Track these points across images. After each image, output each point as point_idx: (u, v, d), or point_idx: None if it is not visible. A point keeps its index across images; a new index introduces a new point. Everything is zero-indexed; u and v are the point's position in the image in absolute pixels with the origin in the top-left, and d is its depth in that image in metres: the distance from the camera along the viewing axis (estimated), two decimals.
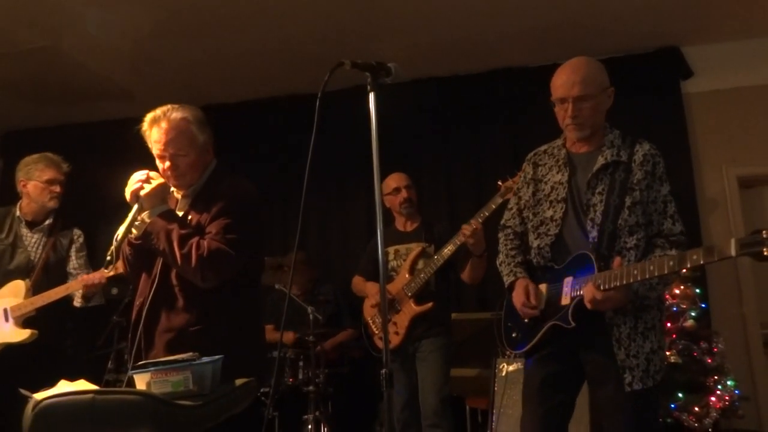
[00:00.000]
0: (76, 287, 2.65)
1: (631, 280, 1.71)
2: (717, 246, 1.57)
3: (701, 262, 1.59)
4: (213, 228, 1.82)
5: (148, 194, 1.80)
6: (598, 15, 3.63)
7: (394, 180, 3.13)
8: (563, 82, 1.92)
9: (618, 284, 1.72)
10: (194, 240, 1.78)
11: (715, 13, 3.66)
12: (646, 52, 4.02)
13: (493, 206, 2.72)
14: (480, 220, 2.73)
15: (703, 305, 3.42)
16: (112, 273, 2.55)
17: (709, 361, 3.19)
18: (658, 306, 1.90)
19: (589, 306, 1.77)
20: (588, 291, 1.77)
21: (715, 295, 3.76)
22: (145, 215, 1.81)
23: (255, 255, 1.97)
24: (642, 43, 3.96)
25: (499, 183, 2.77)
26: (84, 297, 2.71)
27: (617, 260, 1.76)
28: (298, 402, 3.43)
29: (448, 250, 2.84)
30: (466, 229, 2.72)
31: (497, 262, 2.14)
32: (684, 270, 1.68)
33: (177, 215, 1.88)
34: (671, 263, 1.64)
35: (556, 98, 1.94)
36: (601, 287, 1.74)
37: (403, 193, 3.08)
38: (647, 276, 1.68)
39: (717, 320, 3.65)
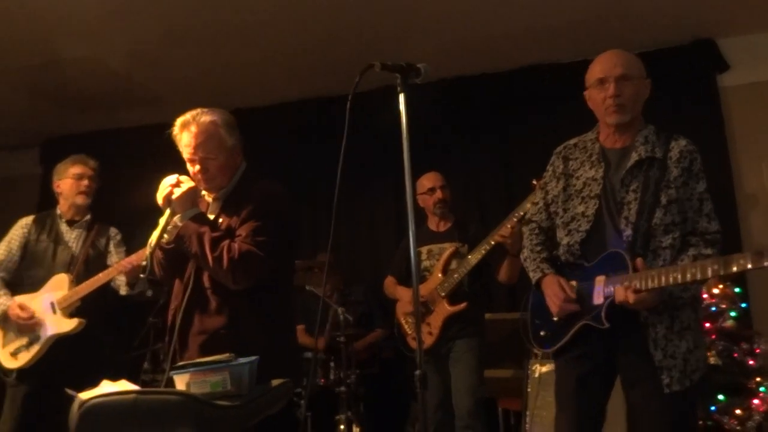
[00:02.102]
0: (114, 273, 2.73)
1: (671, 282, 1.66)
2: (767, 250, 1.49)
3: (748, 267, 1.52)
4: (243, 231, 1.84)
5: (178, 198, 1.84)
6: (629, 8, 3.55)
7: (429, 180, 3.11)
8: (602, 66, 1.88)
9: (655, 285, 1.67)
10: (225, 243, 1.81)
11: (751, 3, 3.55)
12: (680, 46, 3.92)
13: (528, 205, 2.65)
14: (515, 219, 2.69)
15: (744, 305, 3.32)
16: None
17: (751, 362, 3.09)
18: (693, 305, 1.85)
19: (618, 304, 1.73)
20: (620, 292, 1.72)
21: (755, 294, 3.64)
22: (176, 219, 1.85)
23: (285, 257, 1.99)
24: (675, 36, 3.87)
25: (534, 182, 2.71)
26: (129, 284, 2.79)
27: (639, 261, 1.72)
28: (329, 402, 3.44)
29: (483, 249, 2.81)
30: (504, 230, 2.68)
31: (521, 258, 2.10)
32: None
33: (208, 218, 1.91)
34: (715, 267, 1.58)
35: (595, 80, 1.89)
36: (637, 288, 1.70)
37: (438, 194, 3.07)
38: (688, 279, 1.63)
39: (758, 320, 3.53)
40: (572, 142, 2.06)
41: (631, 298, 1.69)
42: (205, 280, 1.88)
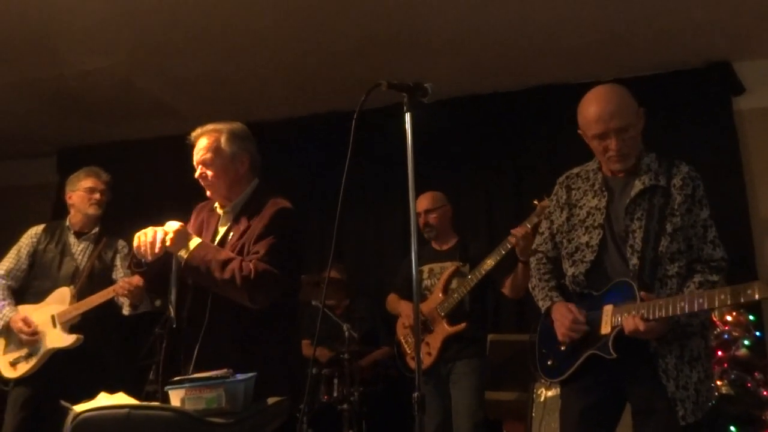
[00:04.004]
0: (113, 293, 2.74)
1: (678, 312, 1.64)
2: None
3: (756, 297, 1.51)
4: (260, 248, 1.85)
5: (171, 243, 1.83)
6: (643, 30, 3.53)
7: (420, 203, 3.03)
8: (598, 116, 1.82)
9: (663, 315, 1.65)
10: (235, 263, 1.81)
11: (767, 28, 3.53)
12: (695, 68, 3.89)
13: (529, 226, 2.61)
14: (529, 226, 2.60)
15: (758, 333, 3.24)
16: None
17: (765, 393, 3.01)
18: (702, 333, 1.82)
19: (629, 335, 1.71)
20: (629, 321, 1.70)
21: None
22: (181, 254, 1.86)
23: (297, 274, 2.01)
24: (691, 58, 3.83)
25: (535, 202, 2.67)
26: (132, 305, 2.80)
27: (644, 294, 1.71)
28: (332, 420, 3.41)
29: (483, 269, 2.77)
30: (518, 231, 2.60)
31: (530, 287, 2.09)
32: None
33: (210, 245, 1.91)
34: (722, 296, 1.56)
35: (594, 134, 1.85)
36: (645, 317, 1.67)
37: (422, 219, 3.02)
38: (695, 309, 1.61)
39: None
40: (575, 171, 2.05)
41: (642, 326, 1.67)
42: (212, 295, 1.88)
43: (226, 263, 1.81)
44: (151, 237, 1.82)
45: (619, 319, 1.75)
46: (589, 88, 2.00)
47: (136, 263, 1.94)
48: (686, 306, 1.62)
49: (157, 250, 1.83)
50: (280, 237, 1.88)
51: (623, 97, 1.86)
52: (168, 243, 1.83)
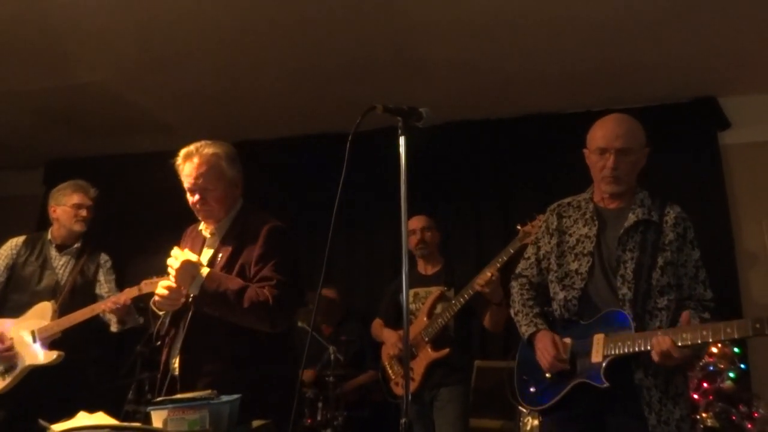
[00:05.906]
0: (99, 310, 2.68)
1: (679, 342, 1.64)
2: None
3: (765, 333, 1.53)
4: (267, 272, 1.84)
5: (177, 278, 1.81)
6: (633, 63, 3.61)
7: (412, 222, 3.09)
8: (605, 133, 1.90)
9: (697, 341, 1.65)
10: (251, 291, 1.79)
11: (753, 64, 3.62)
12: (682, 102, 3.98)
13: (511, 251, 2.64)
14: (498, 266, 2.66)
15: (743, 366, 3.25)
16: (137, 293, 2.57)
17: (749, 426, 3.00)
18: (683, 370, 1.85)
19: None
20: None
21: (755, 355, 3.57)
22: (190, 290, 1.83)
23: (303, 291, 2.03)
24: (678, 92, 3.93)
25: (518, 227, 2.70)
26: (119, 321, 2.74)
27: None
28: None
29: (466, 294, 2.77)
30: (481, 279, 2.65)
31: (512, 312, 2.09)
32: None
33: (220, 275, 1.86)
34: (729, 330, 1.58)
35: (596, 148, 1.91)
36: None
37: (417, 235, 3.05)
38: (699, 340, 1.62)
39: (757, 382, 3.45)
40: (566, 200, 2.09)
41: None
42: (208, 322, 1.85)
43: (241, 292, 1.79)
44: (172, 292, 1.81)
45: (613, 348, 1.74)
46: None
47: (153, 314, 1.93)
48: (689, 337, 1.63)
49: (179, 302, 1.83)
50: (282, 257, 1.88)
51: (635, 126, 1.94)
52: (172, 275, 1.81)
